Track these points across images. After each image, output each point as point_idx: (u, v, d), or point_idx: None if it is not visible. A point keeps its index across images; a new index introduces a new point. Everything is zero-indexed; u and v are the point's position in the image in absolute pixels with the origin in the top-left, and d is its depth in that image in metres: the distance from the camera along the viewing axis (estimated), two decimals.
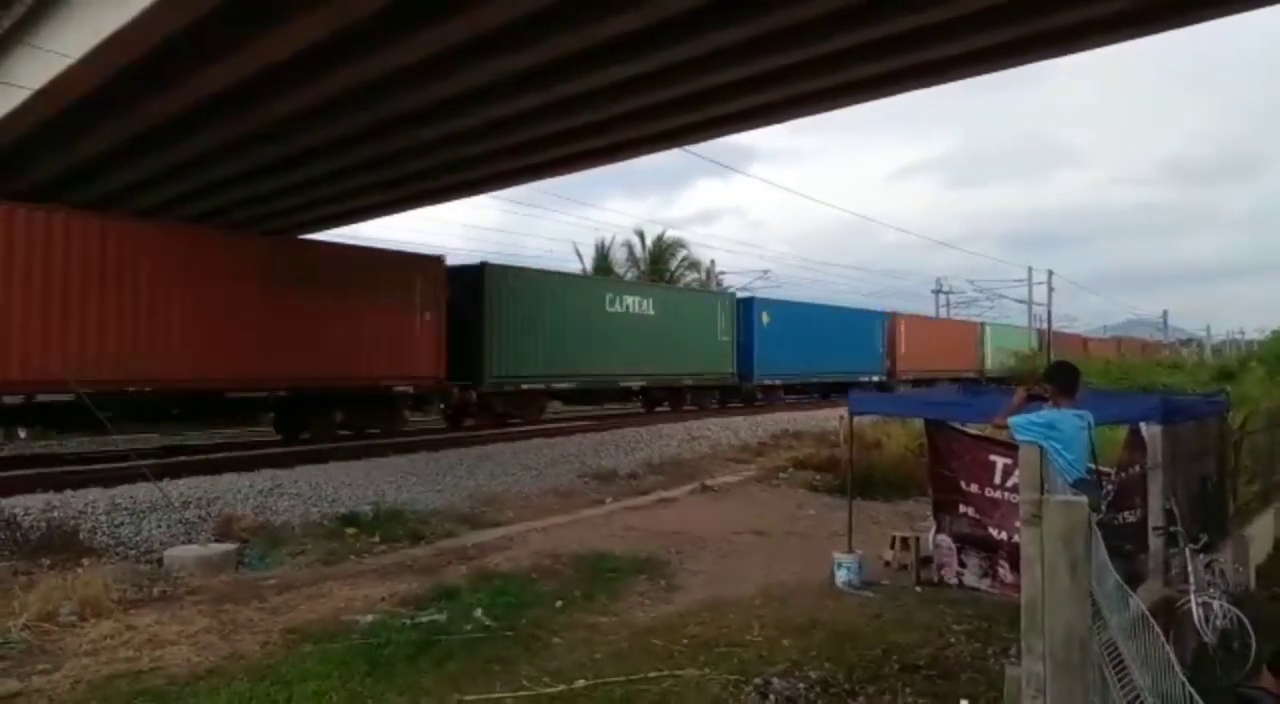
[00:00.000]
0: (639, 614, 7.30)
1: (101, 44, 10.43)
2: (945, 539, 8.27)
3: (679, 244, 46.57)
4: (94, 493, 11.06)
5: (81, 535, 9.62)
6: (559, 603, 7.50)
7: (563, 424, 22.54)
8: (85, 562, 8.66)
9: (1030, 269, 56.32)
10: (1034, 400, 5.83)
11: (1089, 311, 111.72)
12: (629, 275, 44.37)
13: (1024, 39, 12.13)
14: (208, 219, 20.84)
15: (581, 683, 5.60)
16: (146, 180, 17.42)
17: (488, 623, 6.84)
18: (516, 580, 8.23)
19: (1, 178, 16.09)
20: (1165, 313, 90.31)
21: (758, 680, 5.66)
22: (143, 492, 11.02)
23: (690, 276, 46.10)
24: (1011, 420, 5.34)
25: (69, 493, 11.00)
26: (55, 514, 9.95)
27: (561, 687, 5.54)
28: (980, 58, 12.89)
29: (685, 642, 6.43)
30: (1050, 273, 56.58)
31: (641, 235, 46.10)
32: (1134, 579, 5.66)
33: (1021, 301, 57.09)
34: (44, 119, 13.20)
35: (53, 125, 13.54)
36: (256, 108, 13.10)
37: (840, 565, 8.24)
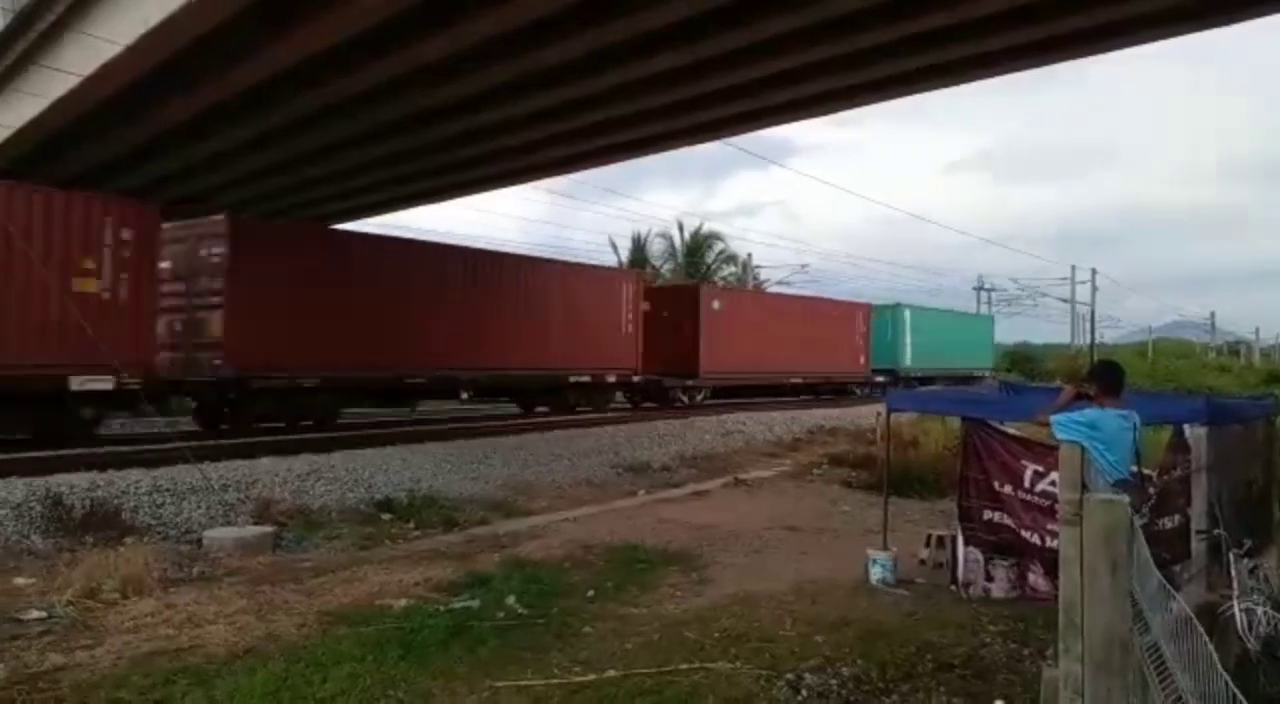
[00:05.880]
0: (670, 606, 7.29)
1: (150, 31, 10.60)
2: (973, 552, 8.11)
3: (716, 237, 46.31)
4: (136, 473, 11.22)
5: (124, 515, 9.77)
6: (590, 593, 7.51)
7: (597, 415, 22.62)
8: (127, 540, 8.81)
9: (1073, 268, 55.52)
10: (1081, 399, 5.74)
11: (1133, 312, 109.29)
12: (665, 268, 44.22)
13: (1073, 33, 11.97)
14: (245, 208, 21.16)
15: (612, 673, 5.60)
16: (185, 169, 17.71)
17: (520, 611, 6.87)
18: (548, 569, 8.27)
19: (45, 166, 16.40)
20: (1213, 314, 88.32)
21: (790, 675, 5.63)
22: (183, 473, 11.18)
23: (727, 270, 45.80)
24: (1053, 419, 5.26)
25: (112, 473, 11.16)
26: (99, 493, 10.11)
27: (592, 676, 5.54)
28: (1027, 52, 12.74)
29: (716, 635, 6.41)
30: (1094, 272, 55.81)
31: (681, 228, 45.87)
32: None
33: (1065, 301, 56.34)
34: (91, 106, 13.44)
35: (98, 112, 13.78)
36: (298, 97, 13.25)
37: (874, 562, 8.17)
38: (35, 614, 6.66)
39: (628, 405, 26.28)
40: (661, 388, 26.52)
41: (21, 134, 14.65)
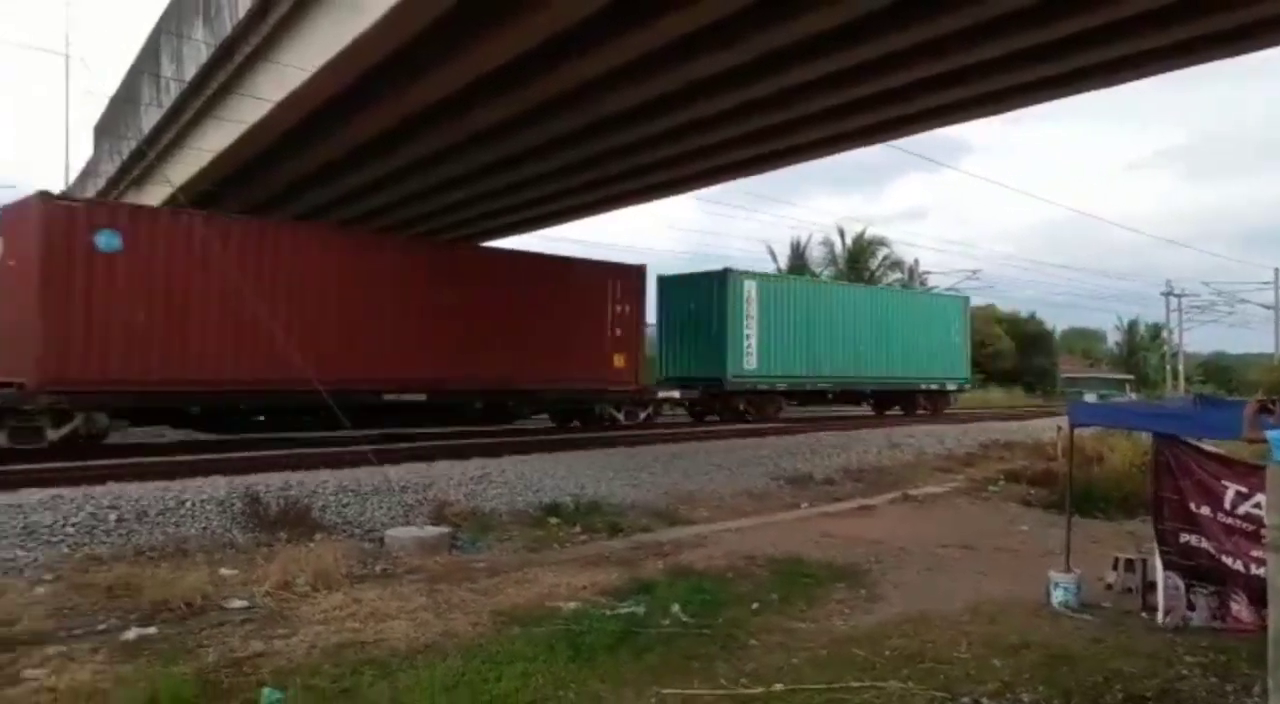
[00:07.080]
0: (837, 622, 7.14)
1: (336, 58, 11.32)
2: (1173, 577, 7.51)
3: (880, 242, 45.20)
4: (324, 474, 11.93)
5: (313, 513, 10.40)
6: (755, 605, 7.45)
7: (754, 425, 22.42)
8: (317, 537, 9.44)
9: (1276, 271, 51.10)
10: (1264, 413, 5.37)
11: None
12: (825, 274, 43.57)
13: (1212, 35, 11.62)
14: (410, 226, 22.17)
15: (779, 687, 5.52)
16: (356, 191, 18.71)
17: (684, 619, 6.89)
18: (712, 579, 8.25)
19: (238, 190, 17.70)
20: None
21: (966, 699, 5.41)
22: (366, 475, 11.81)
23: (892, 276, 44.71)
24: (1271, 435, 4.84)
25: (303, 474, 11.92)
26: (291, 493, 10.79)
27: (760, 689, 5.49)
28: (1172, 53, 12.31)
29: (887, 653, 6.23)
30: None
31: (842, 233, 45.01)
32: None
33: (1268, 307, 51.96)
34: (279, 131, 14.43)
35: (286, 138, 14.79)
36: (471, 113, 13.79)
37: (1056, 585, 7.75)
38: (238, 603, 7.21)
39: None
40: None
41: (222, 158, 15.85)
